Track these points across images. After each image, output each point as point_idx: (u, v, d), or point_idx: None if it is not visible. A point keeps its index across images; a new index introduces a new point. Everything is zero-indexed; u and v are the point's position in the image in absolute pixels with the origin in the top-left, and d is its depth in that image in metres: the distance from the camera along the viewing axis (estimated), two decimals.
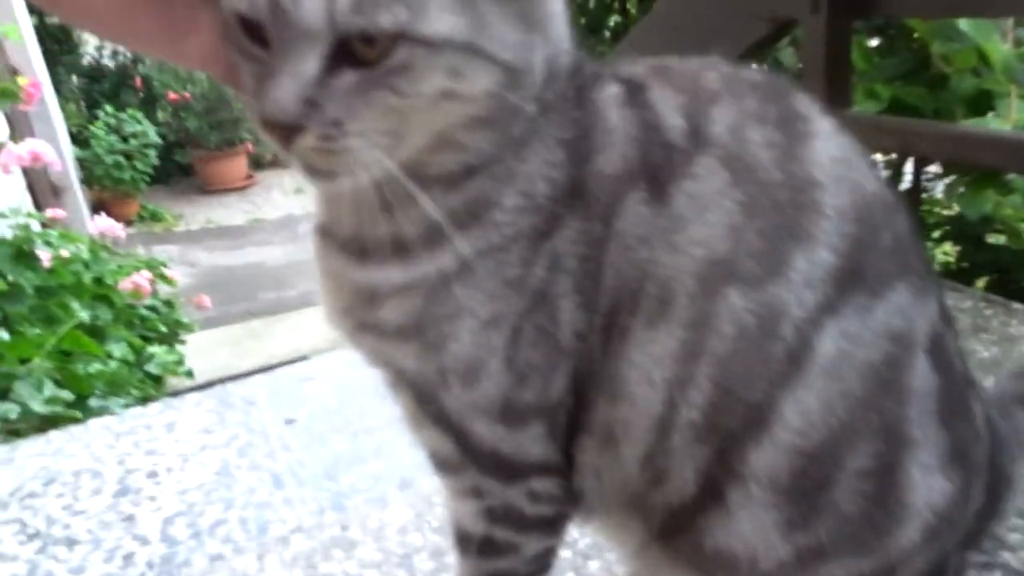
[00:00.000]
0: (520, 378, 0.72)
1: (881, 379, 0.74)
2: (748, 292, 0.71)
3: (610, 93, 0.76)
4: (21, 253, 2.98)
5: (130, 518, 1.43)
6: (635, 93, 0.76)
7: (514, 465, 0.76)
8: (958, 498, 0.80)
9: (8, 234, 3.00)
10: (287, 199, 7.97)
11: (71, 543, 1.37)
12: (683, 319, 0.71)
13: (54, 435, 1.72)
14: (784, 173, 0.73)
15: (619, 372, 0.73)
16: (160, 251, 6.13)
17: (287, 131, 0.59)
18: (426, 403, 0.75)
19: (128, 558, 1.33)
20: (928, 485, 0.78)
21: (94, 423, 1.76)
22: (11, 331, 2.75)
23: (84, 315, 3.05)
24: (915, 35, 2.00)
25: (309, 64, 0.58)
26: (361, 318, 0.74)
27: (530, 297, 0.70)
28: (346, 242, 0.73)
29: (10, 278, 2.89)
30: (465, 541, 0.83)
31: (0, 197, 3.15)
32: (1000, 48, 1.64)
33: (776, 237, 0.72)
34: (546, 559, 0.86)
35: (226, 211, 7.92)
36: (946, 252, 2.89)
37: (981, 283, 2.49)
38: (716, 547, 0.77)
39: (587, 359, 0.73)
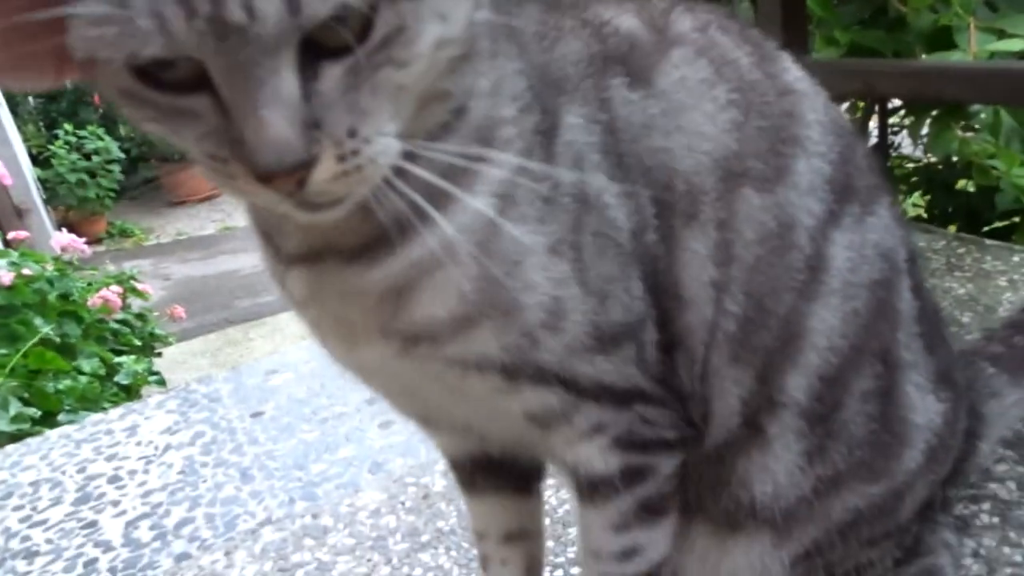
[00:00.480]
0: (601, 297, 0.66)
1: (879, 299, 0.76)
2: (762, 194, 0.71)
3: (530, 10, 0.73)
4: None
5: (92, 525, 1.37)
6: (565, 9, 0.74)
7: (621, 392, 0.70)
8: (950, 417, 0.83)
9: None
10: None
11: (30, 555, 1.31)
12: (712, 218, 0.70)
13: (11, 448, 1.65)
14: (764, 75, 0.76)
15: (678, 276, 0.70)
16: (131, 266, 6.03)
17: (297, 173, 0.47)
18: (518, 372, 0.66)
19: (90, 564, 1.27)
20: (924, 404, 0.80)
21: (52, 433, 1.70)
22: None
23: (48, 331, 2.97)
24: None
25: (285, 80, 0.46)
26: (404, 329, 0.63)
27: (573, 203, 0.64)
28: (353, 251, 0.62)
29: None
30: (604, 486, 0.73)
31: None
32: None
33: (774, 139, 0.73)
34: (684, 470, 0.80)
35: (196, 221, 7.82)
36: (916, 204, 2.88)
37: (953, 230, 2.47)
38: (748, 489, 0.76)
39: (652, 262, 0.69)
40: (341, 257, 0.62)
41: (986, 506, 1.07)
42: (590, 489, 0.74)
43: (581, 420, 0.70)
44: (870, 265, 0.75)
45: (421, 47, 0.51)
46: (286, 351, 1.99)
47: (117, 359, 3.10)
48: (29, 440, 1.69)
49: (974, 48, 1.62)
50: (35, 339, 2.80)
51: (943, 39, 1.75)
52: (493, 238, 0.61)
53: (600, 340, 0.66)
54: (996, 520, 1.05)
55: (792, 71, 0.77)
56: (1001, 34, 1.63)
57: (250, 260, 7.09)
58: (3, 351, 2.78)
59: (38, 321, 2.96)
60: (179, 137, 0.50)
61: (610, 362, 0.68)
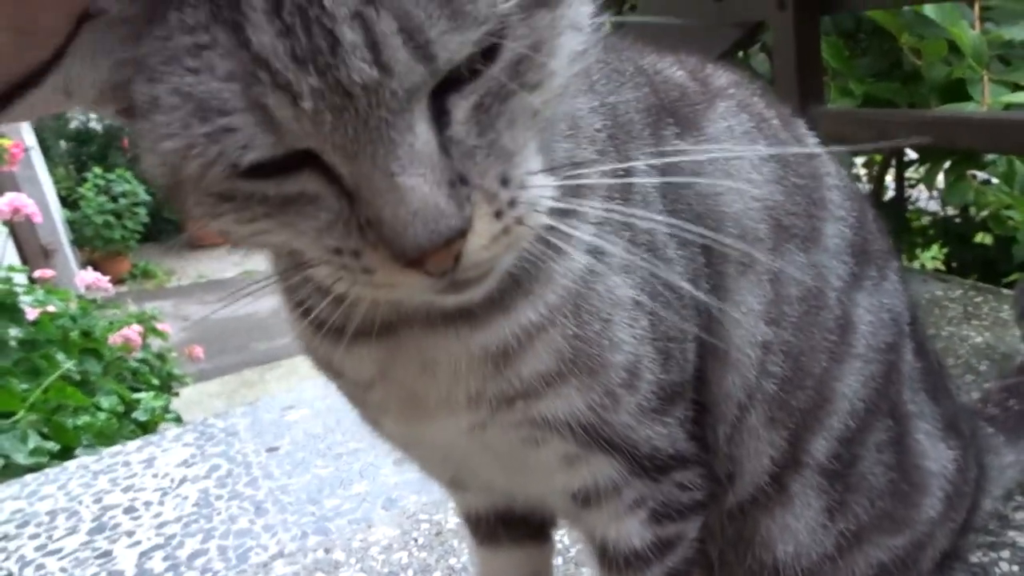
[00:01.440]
0: (665, 355, 0.63)
1: (890, 363, 0.77)
2: (804, 252, 0.72)
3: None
4: (4, 307, 2.95)
5: (106, 554, 1.37)
6: (620, 52, 0.75)
7: (666, 458, 0.68)
8: (961, 464, 0.82)
9: None
10: None
11: None
12: (766, 269, 0.69)
13: (30, 478, 1.67)
14: (793, 136, 0.78)
15: (726, 336, 0.68)
16: (152, 306, 6.11)
17: (453, 245, 0.40)
18: (593, 435, 0.63)
19: None
20: (936, 451, 0.81)
21: (71, 464, 1.71)
22: None
23: (70, 366, 3.00)
24: (885, 34, 2.01)
25: (420, 136, 0.39)
26: (500, 391, 0.59)
27: (647, 254, 0.61)
28: (446, 314, 0.56)
29: None
30: (637, 559, 0.72)
31: None
32: (969, 33, 1.64)
33: (808, 199, 0.74)
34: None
35: (217, 264, 7.91)
36: (934, 256, 2.88)
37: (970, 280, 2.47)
38: (770, 549, 0.76)
39: (704, 319, 0.67)
40: (428, 325, 0.57)
41: (1005, 554, 1.05)
42: (623, 563, 0.72)
43: (629, 494, 0.68)
44: (886, 329, 0.76)
45: (558, 63, 0.44)
46: (303, 388, 2.00)
47: (136, 395, 3.12)
48: (48, 470, 1.71)
49: (987, 100, 1.65)
50: (57, 373, 2.83)
51: (957, 91, 1.78)
52: (589, 293, 0.58)
53: (662, 400, 0.64)
54: (1016, 568, 1.03)
55: (810, 137, 0.80)
56: (1015, 87, 1.66)
57: (267, 304, 7.11)
58: (25, 385, 2.82)
59: (60, 357, 3.00)
60: (296, 233, 0.43)
61: (664, 424, 0.66)
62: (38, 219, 2.79)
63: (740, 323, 0.68)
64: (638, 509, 0.70)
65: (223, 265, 7.88)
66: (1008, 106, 1.59)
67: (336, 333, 0.58)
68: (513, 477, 0.72)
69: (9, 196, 2.75)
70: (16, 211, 2.71)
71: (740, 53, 2.28)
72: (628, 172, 0.62)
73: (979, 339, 1.61)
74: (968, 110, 1.60)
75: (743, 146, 0.72)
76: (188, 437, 1.75)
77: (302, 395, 1.94)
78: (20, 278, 3.29)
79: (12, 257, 4.82)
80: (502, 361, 0.58)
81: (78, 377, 3.11)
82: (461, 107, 0.41)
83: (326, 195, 0.42)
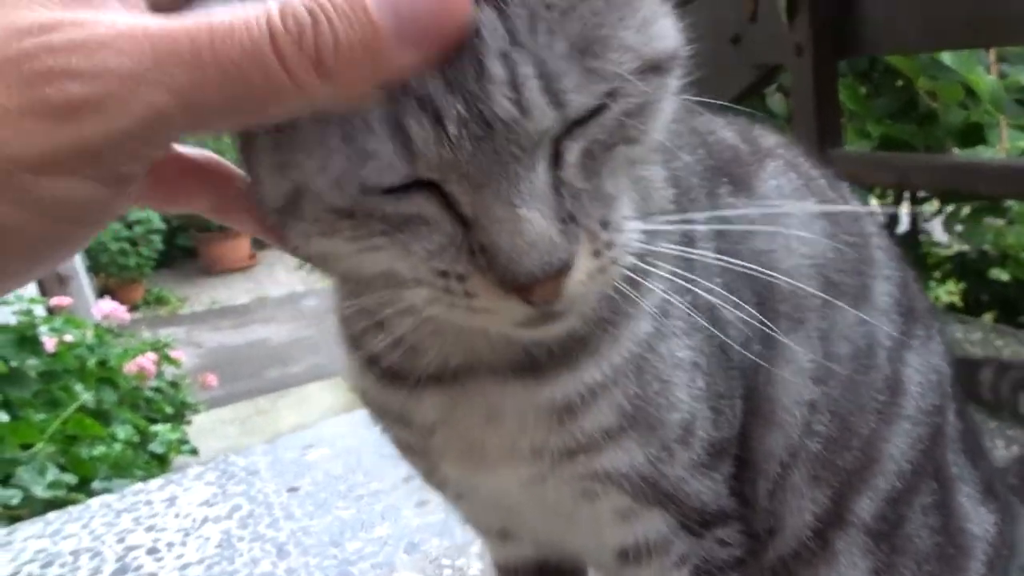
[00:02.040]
0: (716, 413, 0.65)
1: (936, 425, 0.77)
2: (855, 310, 0.72)
3: None
4: (24, 339, 2.98)
5: None
6: (689, 114, 0.76)
7: (710, 514, 0.69)
8: (1001, 526, 0.82)
9: (12, 320, 3.00)
10: (290, 276, 8.02)
11: None
12: (816, 327, 0.70)
13: (53, 516, 1.67)
14: (840, 196, 0.79)
15: (773, 395, 0.69)
16: (166, 333, 6.15)
17: (560, 276, 0.43)
18: (649, 489, 0.64)
19: None
20: (978, 514, 0.81)
21: (94, 502, 1.72)
22: (14, 416, 2.73)
23: (88, 398, 3.03)
24: (900, 74, 2.02)
25: (540, 174, 0.43)
26: (562, 445, 0.61)
27: (705, 315, 0.61)
28: (514, 365, 0.59)
29: (13, 363, 2.88)
30: None
31: None
32: (985, 79, 1.65)
33: (857, 257, 0.75)
34: None
35: (230, 291, 7.96)
36: (950, 291, 2.88)
37: (988, 318, 2.46)
38: None
39: (751, 378, 0.68)
40: (495, 375, 0.59)
41: None
42: None
43: (676, 550, 0.69)
44: (933, 391, 0.77)
45: (656, 123, 0.48)
46: (322, 424, 2.01)
47: (153, 427, 3.14)
48: (71, 508, 1.71)
49: (1005, 145, 1.66)
50: (76, 405, 2.86)
51: (974, 134, 1.80)
52: (651, 355, 0.59)
53: (711, 456, 0.65)
54: None
55: (855, 199, 0.82)
56: None
57: (281, 330, 7.21)
58: (42, 415, 2.84)
59: (78, 388, 3.03)
60: (406, 253, 0.45)
61: (712, 479, 0.67)
62: None
63: (788, 382, 0.69)
64: (682, 567, 0.70)
65: (236, 292, 7.93)
66: None
67: (395, 377, 0.61)
68: (565, 530, 0.73)
69: None
70: None
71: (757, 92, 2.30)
72: (691, 238, 0.63)
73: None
74: (986, 156, 1.61)
75: (790, 205, 0.73)
76: (209, 476, 1.76)
77: (321, 433, 1.95)
78: (39, 308, 3.32)
79: (31, 287, 4.87)
80: (566, 416, 0.59)
81: (94, 406, 3.14)
82: (573, 152, 0.44)
83: (441, 220, 0.44)
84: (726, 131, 0.77)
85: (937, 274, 2.83)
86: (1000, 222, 1.74)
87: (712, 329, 0.62)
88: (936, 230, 3.03)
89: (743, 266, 0.59)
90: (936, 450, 0.77)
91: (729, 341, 0.64)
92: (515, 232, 0.41)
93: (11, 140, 0.36)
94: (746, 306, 0.65)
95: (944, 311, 2.47)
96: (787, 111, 2.07)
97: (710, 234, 0.65)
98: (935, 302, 2.66)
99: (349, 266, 0.48)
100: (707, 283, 0.59)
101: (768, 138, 0.79)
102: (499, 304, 0.44)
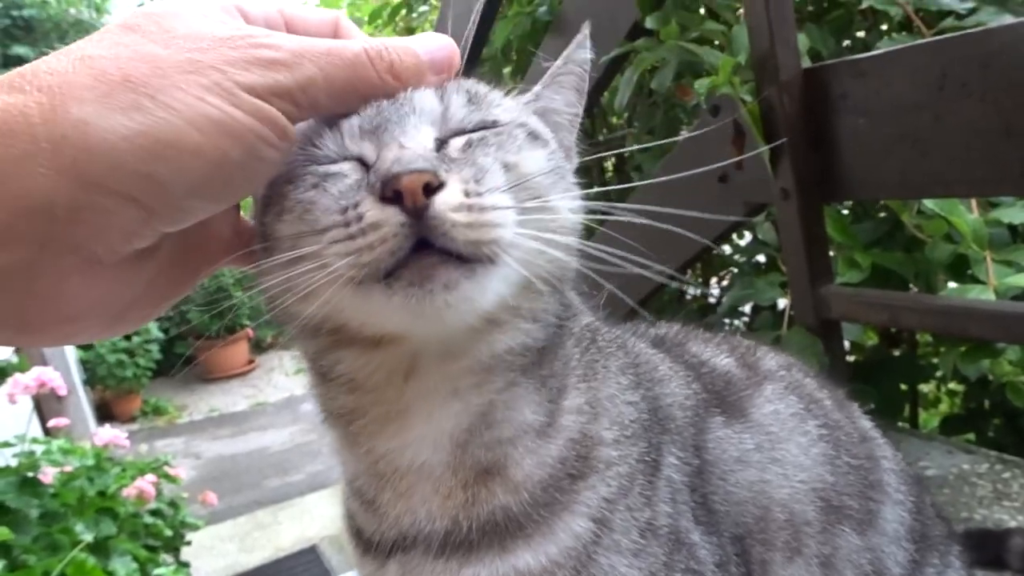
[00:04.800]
0: None
1: None
2: (859, 535, 0.71)
3: (641, 346, 0.78)
4: (26, 481, 2.95)
5: None
6: (671, 348, 0.79)
7: None
8: None
9: (13, 462, 2.98)
10: (288, 380, 8.00)
11: None
12: (816, 553, 0.69)
13: None
14: (845, 417, 0.79)
15: None
16: (164, 445, 6.10)
17: (425, 175, 0.53)
18: None
19: None
20: None
21: None
22: (13, 563, 2.68)
23: (88, 537, 2.98)
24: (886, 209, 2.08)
25: (425, 135, 0.60)
26: None
27: (667, 541, 0.62)
28: (448, 544, 0.60)
29: (13, 507, 2.84)
30: None
31: (5, 425, 3.15)
32: (967, 219, 1.71)
33: (863, 480, 0.74)
34: None
35: (228, 397, 7.92)
36: (952, 398, 2.86)
37: (991, 429, 2.44)
38: None
39: None
40: (429, 553, 0.60)
41: None
42: None
43: None
44: None
45: (517, 149, 0.62)
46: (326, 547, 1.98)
47: (156, 571, 3.08)
48: None
49: (993, 281, 1.70)
50: (76, 551, 2.80)
51: (963, 266, 1.84)
52: (590, 563, 0.59)
53: None
54: None
55: (864, 419, 0.83)
56: (1020, 268, 1.71)
57: (280, 436, 7.14)
58: (32, 557, 2.78)
59: (79, 528, 2.97)
60: (321, 198, 0.58)
61: None
62: (63, 392, 2.82)
63: None
64: None
65: (234, 398, 7.89)
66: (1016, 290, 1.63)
67: (368, 546, 0.65)
68: None
69: (36, 371, 2.80)
70: (42, 386, 2.75)
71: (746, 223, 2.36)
72: (657, 462, 0.64)
73: (1013, 524, 1.60)
74: (975, 294, 1.65)
75: (787, 430, 0.73)
76: None
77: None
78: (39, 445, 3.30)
79: (35, 427, 4.86)
80: None
81: (93, 540, 3.08)
82: (456, 141, 0.60)
83: (352, 171, 0.58)
84: (722, 358, 0.79)
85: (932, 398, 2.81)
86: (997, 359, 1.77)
87: (671, 559, 0.61)
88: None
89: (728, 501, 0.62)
90: None
91: (699, 565, 0.63)
92: (400, 149, 0.55)
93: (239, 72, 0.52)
94: (722, 535, 0.66)
95: (944, 424, 2.46)
96: (777, 241, 2.12)
97: (683, 469, 0.66)
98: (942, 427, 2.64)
99: (283, 247, 0.58)
100: (667, 507, 0.61)
101: (771, 360, 0.81)
102: (381, 216, 0.53)
